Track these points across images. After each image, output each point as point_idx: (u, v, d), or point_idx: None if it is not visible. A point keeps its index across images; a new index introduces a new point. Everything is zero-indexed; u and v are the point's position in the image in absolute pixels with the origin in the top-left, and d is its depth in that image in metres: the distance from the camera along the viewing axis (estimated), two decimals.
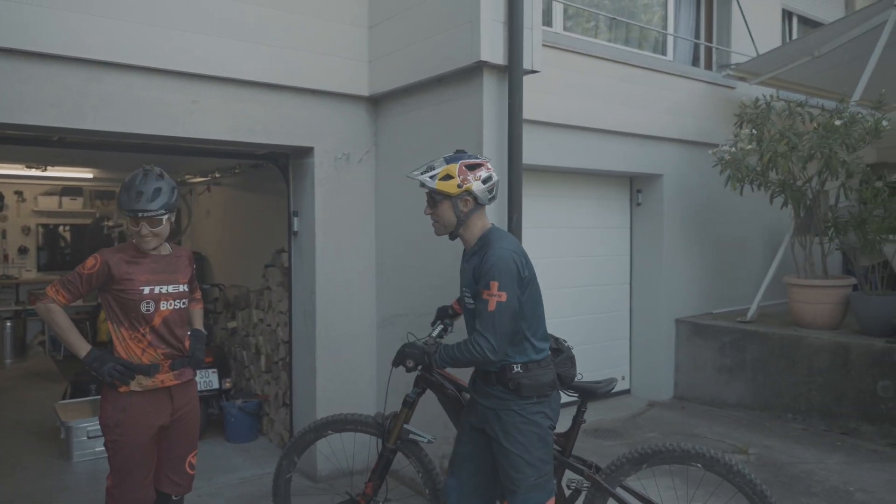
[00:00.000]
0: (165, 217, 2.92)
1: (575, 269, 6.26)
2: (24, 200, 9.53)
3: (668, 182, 6.49)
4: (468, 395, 2.77)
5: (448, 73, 4.07)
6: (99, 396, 6.19)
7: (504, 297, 2.55)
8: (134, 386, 2.92)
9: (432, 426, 3.50)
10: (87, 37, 3.70)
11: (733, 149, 5.86)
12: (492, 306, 2.54)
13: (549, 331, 2.86)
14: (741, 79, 6.99)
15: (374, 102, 4.83)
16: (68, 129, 3.82)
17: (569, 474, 3.10)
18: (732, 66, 6.91)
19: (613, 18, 6.26)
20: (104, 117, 3.83)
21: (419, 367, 2.89)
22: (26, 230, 9.63)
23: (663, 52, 6.84)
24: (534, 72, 4.04)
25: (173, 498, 3.16)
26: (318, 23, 4.52)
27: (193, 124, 4.13)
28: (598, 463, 3.08)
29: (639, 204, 6.69)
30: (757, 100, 6.14)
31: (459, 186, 2.69)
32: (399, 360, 2.87)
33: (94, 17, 3.71)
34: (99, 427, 5.33)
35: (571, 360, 2.90)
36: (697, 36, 7.17)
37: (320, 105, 4.62)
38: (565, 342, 2.98)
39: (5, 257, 9.48)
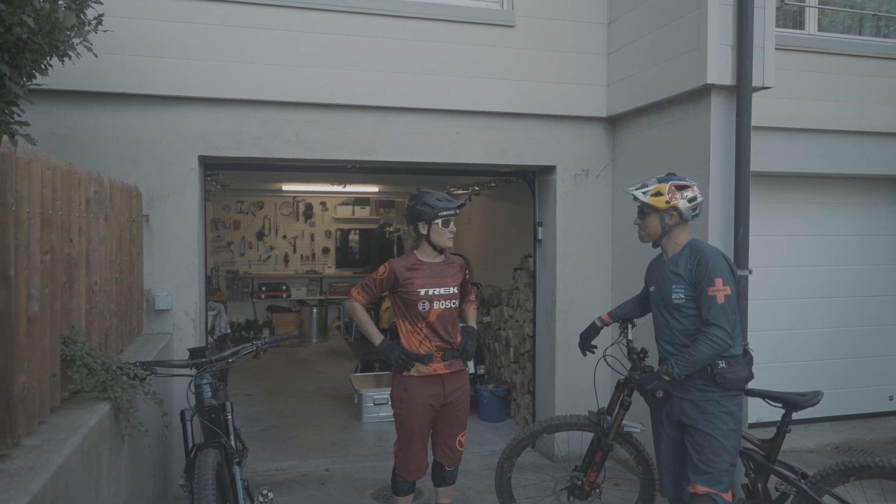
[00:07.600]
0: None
1: (822, 279, 5.97)
2: (326, 209, 11.65)
3: None
4: (660, 393, 3.06)
5: (678, 95, 4.37)
6: (381, 372, 7.48)
7: (729, 290, 2.94)
8: (413, 371, 3.55)
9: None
10: (380, 87, 4.74)
11: None
12: (721, 300, 2.92)
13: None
14: None
15: (612, 122, 5.26)
16: (363, 161, 4.91)
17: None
18: None
19: (875, 14, 5.84)
20: (388, 150, 4.85)
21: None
22: (328, 234, 11.73)
23: None
24: (765, 88, 4.14)
25: (446, 468, 3.75)
26: (560, 56, 5.10)
27: (456, 151, 4.99)
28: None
29: None
30: None
31: (668, 203, 3.10)
32: (649, 394, 3.09)
33: (386, 73, 4.75)
34: (382, 396, 6.53)
35: (751, 361, 3.09)
36: None
37: (562, 127, 5.20)
38: (747, 344, 3.17)
39: (312, 256, 11.67)
